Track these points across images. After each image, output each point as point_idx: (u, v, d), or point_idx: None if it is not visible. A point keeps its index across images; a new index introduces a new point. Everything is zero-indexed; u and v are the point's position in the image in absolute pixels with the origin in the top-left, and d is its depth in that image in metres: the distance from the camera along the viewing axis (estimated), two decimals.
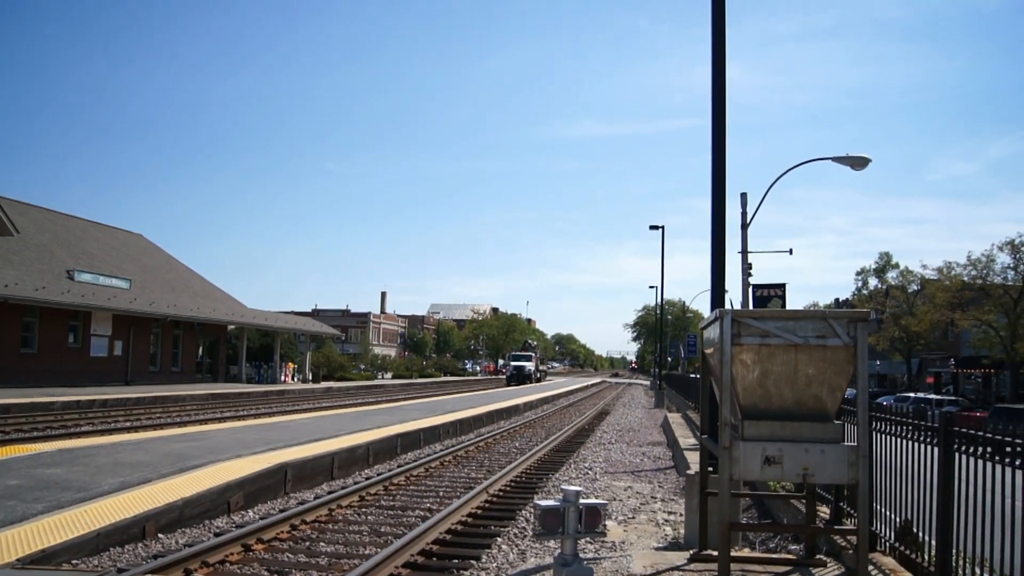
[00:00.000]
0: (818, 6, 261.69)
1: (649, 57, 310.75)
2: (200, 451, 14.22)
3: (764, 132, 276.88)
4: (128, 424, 22.33)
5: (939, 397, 42.14)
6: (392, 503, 12.02)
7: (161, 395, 32.60)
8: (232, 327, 52.48)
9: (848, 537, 7.46)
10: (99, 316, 38.88)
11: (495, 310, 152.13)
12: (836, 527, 7.85)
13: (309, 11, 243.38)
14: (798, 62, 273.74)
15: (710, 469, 7.92)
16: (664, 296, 64.27)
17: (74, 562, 7.81)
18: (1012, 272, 43.43)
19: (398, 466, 15.77)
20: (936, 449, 6.33)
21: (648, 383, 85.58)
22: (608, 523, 9.76)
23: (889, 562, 6.87)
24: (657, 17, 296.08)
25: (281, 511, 10.78)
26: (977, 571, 5.67)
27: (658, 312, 70.27)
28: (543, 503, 6.18)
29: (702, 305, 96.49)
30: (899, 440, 7.05)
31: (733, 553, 7.05)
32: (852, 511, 7.59)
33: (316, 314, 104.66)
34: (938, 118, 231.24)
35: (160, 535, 9.22)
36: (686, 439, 19.22)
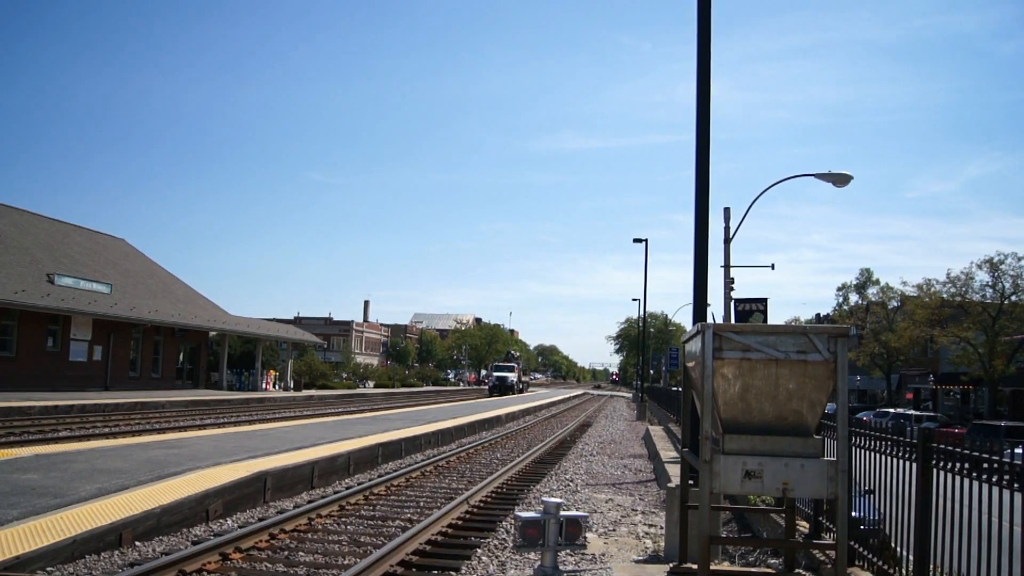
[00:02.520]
0: (800, 26, 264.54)
1: (632, 74, 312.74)
2: (179, 458, 14.10)
3: (745, 148, 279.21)
4: (107, 430, 22.11)
5: (918, 413, 42.44)
6: (372, 513, 11.97)
7: (141, 401, 32.31)
8: (213, 334, 52.13)
9: (827, 552, 7.49)
10: (79, 321, 38.52)
11: (478, 320, 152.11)
12: (815, 541, 7.88)
13: (296, 21, 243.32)
14: (780, 80, 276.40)
15: (691, 482, 7.94)
16: (647, 309, 64.39)
17: (49, 569, 7.72)
18: (990, 290, 43.90)
19: (379, 476, 15.70)
20: (915, 465, 6.38)
21: (630, 395, 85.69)
22: (588, 535, 9.75)
23: None
24: (640, 35, 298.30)
25: (260, 520, 10.71)
26: None
27: (641, 325, 70.47)
28: (524, 515, 6.18)
29: (684, 318, 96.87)
30: (878, 455, 7.11)
31: (713, 567, 7.07)
32: (831, 525, 7.63)
33: (298, 322, 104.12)
34: (917, 138, 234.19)
35: (137, 543, 9.14)
36: (667, 452, 19.25)
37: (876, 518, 7.15)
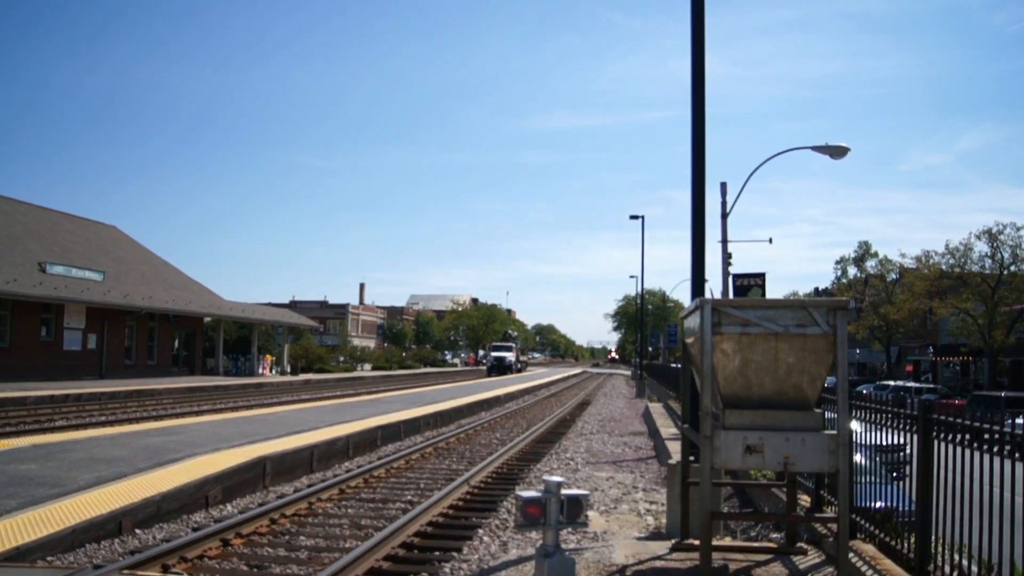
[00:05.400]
0: (790, 0, 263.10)
1: (623, 51, 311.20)
2: (177, 445, 14.07)
3: (737, 123, 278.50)
4: (103, 418, 22.05)
5: (918, 385, 42.57)
6: (372, 496, 11.96)
7: (136, 389, 32.26)
8: (208, 319, 52.00)
9: (829, 525, 7.48)
10: (72, 309, 38.35)
11: (475, 301, 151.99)
12: (817, 515, 7.87)
13: (287, 6, 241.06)
14: (771, 55, 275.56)
15: (691, 458, 7.91)
16: (644, 286, 64.44)
17: (49, 559, 7.70)
18: (989, 260, 43.92)
19: (378, 458, 15.70)
20: (915, 436, 6.35)
21: (629, 373, 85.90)
22: (590, 514, 9.74)
23: (869, 549, 6.89)
24: (630, 12, 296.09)
25: (260, 505, 10.68)
26: (956, 557, 5.70)
27: (639, 302, 70.49)
28: (525, 494, 6.14)
29: (682, 295, 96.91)
30: (879, 428, 7.08)
31: (715, 542, 7.05)
32: (833, 499, 7.62)
33: (294, 306, 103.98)
34: (910, 110, 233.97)
35: (137, 530, 9.11)
36: (667, 429, 19.28)
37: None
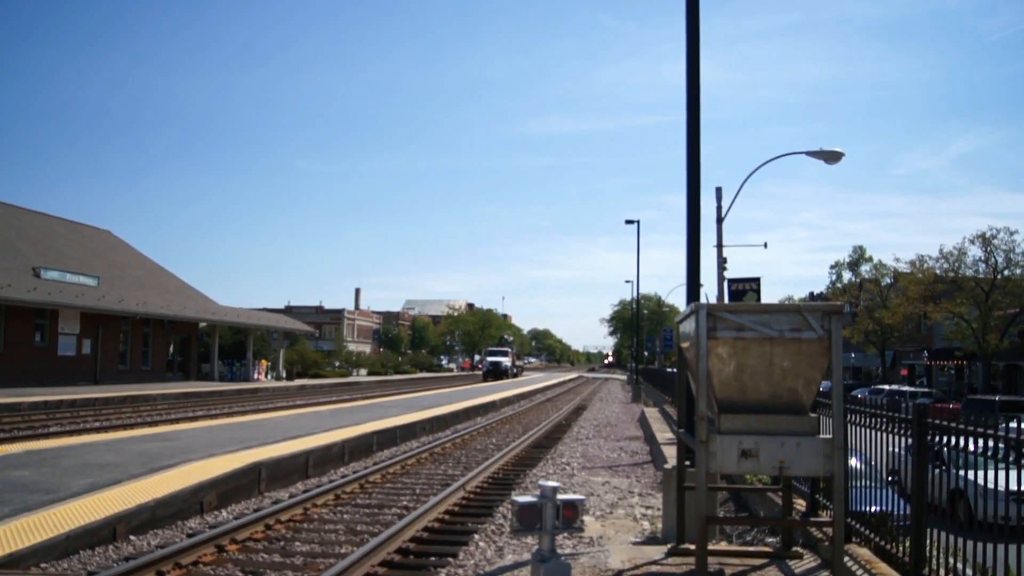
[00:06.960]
0: (785, 5, 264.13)
1: (618, 56, 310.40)
2: (172, 451, 14.03)
3: (732, 128, 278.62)
4: (97, 424, 21.99)
5: (913, 389, 42.62)
6: (368, 501, 11.93)
7: (131, 394, 32.17)
8: (203, 324, 51.89)
9: (824, 529, 7.49)
10: (67, 314, 38.25)
11: (471, 306, 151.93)
12: (812, 519, 7.88)
13: (283, 10, 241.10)
14: (766, 60, 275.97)
15: (687, 463, 7.92)
16: (640, 290, 64.52)
17: (43, 565, 7.66)
18: (983, 265, 43.91)
19: (374, 464, 15.66)
20: (910, 440, 6.36)
21: (625, 378, 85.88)
22: (586, 518, 9.74)
23: (865, 553, 6.90)
24: (625, 16, 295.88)
25: (255, 511, 10.65)
26: (950, 560, 5.71)
27: (634, 306, 70.54)
28: (520, 499, 6.14)
29: (678, 299, 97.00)
30: (874, 432, 7.09)
31: (710, 547, 7.06)
32: (828, 503, 7.63)
33: (289, 311, 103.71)
34: (904, 114, 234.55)
35: (132, 537, 9.07)
36: (663, 433, 19.29)
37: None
